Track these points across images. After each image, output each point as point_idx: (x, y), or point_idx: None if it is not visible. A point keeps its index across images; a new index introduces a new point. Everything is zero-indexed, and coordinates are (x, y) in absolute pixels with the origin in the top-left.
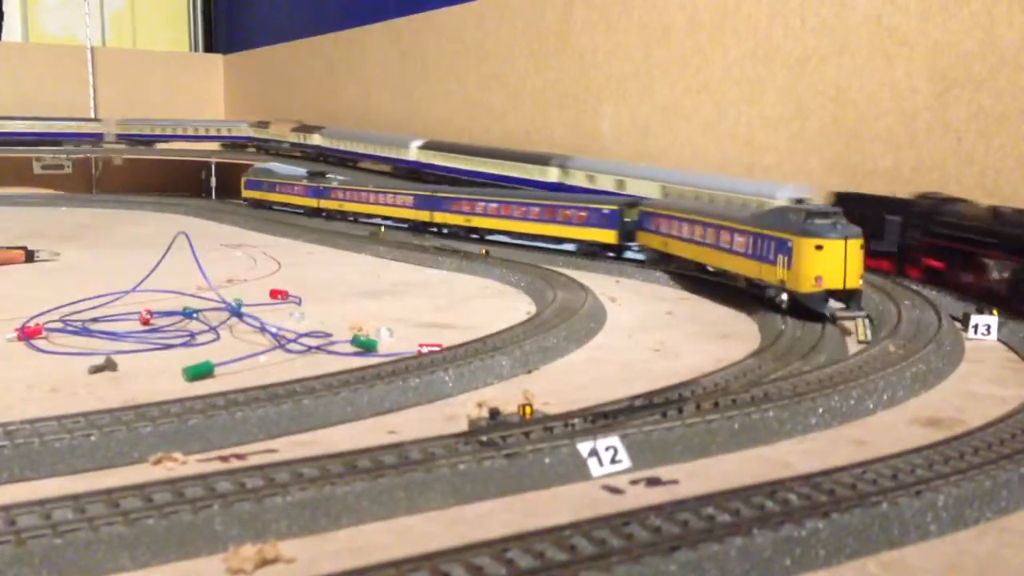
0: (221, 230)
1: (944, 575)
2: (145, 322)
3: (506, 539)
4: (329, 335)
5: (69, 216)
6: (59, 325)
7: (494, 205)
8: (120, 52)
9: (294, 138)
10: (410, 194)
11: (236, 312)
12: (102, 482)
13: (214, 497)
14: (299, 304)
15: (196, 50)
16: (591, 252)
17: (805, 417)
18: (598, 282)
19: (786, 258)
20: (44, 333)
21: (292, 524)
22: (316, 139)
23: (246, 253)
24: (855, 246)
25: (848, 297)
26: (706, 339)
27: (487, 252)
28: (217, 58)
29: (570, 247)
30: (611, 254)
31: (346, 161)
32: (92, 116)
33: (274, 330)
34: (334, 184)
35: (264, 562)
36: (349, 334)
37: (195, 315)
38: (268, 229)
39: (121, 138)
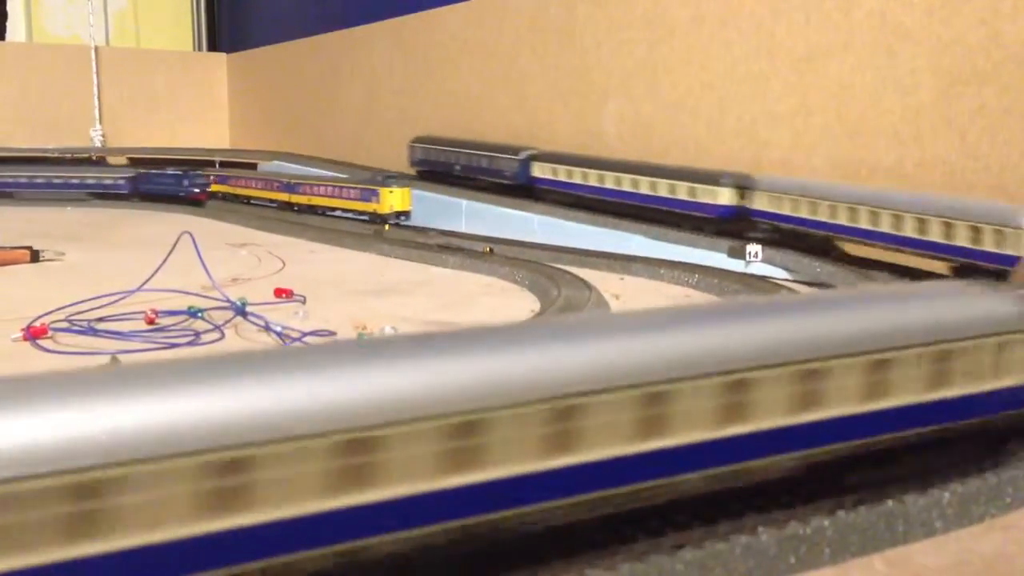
0: (225, 229)
1: (950, 572)
2: (150, 321)
3: None
4: (333, 334)
5: (74, 216)
6: (65, 325)
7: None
8: (124, 51)
9: None
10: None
11: (241, 311)
12: None
13: None
14: (303, 303)
15: (200, 49)
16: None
17: None
18: (602, 279)
19: (376, 198)
20: (50, 333)
21: None
22: None
23: (250, 252)
24: (408, 191)
25: (406, 215)
26: None
27: (491, 250)
28: (221, 57)
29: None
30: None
31: None
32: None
33: (278, 329)
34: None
35: None
36: (353, 332)
37: (200, 314)
38: (273, 228)
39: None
